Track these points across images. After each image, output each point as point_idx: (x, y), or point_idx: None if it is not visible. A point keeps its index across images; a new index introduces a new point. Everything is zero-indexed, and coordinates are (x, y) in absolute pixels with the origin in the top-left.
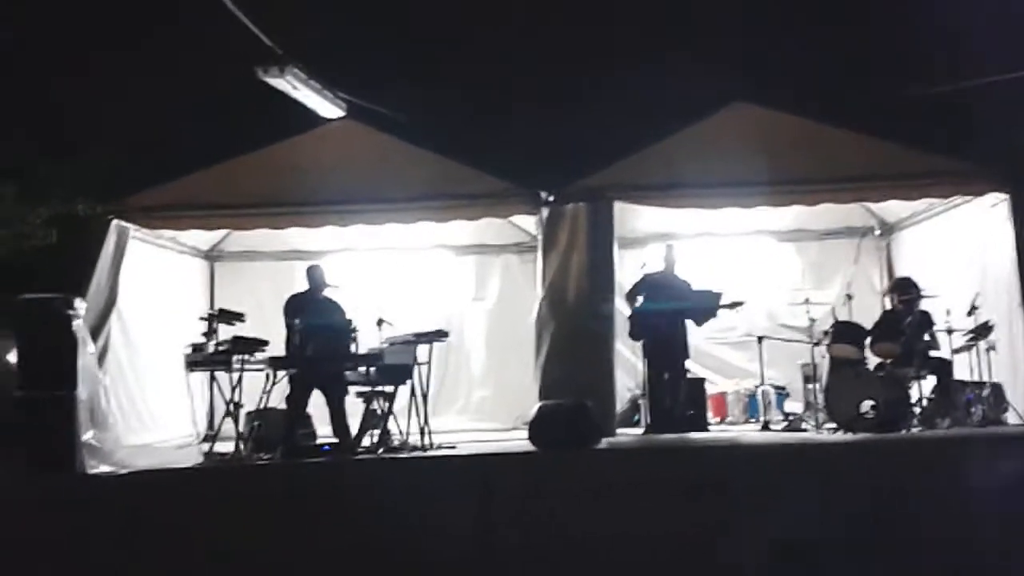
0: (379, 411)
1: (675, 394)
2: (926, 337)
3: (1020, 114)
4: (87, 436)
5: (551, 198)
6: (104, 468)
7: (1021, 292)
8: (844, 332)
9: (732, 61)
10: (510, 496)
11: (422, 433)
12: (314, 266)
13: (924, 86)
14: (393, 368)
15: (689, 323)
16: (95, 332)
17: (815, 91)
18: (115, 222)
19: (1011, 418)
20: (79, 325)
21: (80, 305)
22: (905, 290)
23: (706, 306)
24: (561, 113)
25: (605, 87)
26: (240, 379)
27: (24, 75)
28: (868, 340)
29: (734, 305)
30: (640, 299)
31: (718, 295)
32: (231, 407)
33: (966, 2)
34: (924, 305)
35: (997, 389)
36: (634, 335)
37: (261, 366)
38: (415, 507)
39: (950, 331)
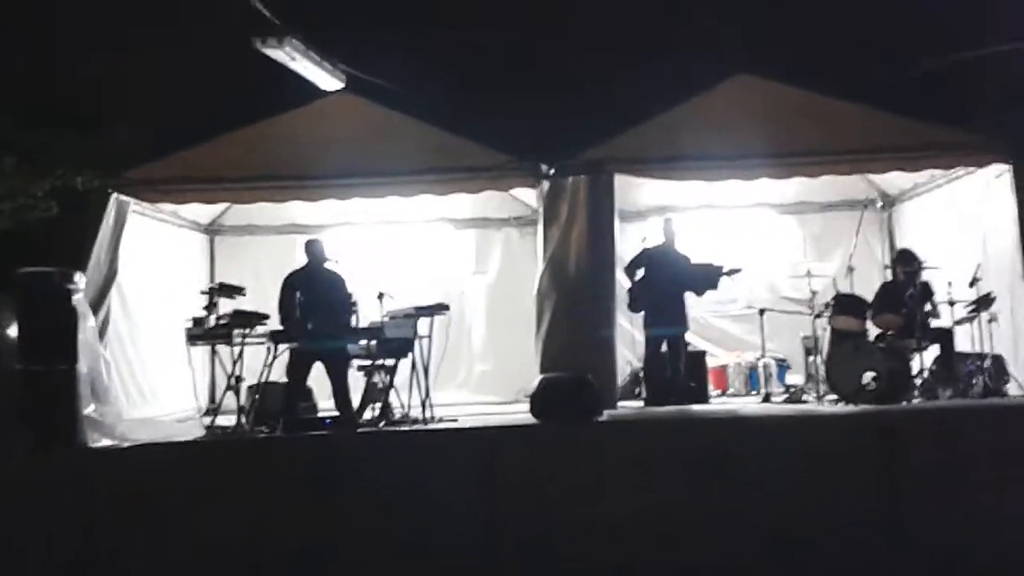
0: (380, 384)
1: (676, 366)
2: (927, 308)
3: (1022, 85)
4: (88, 410)
5: (552, 171)
6: (106, 442)
7: (1023, 263)
8: (845, 304)
9: (734, 33)
10: (512, 469)
11: (423, 406)
12: (312, 240)
13: (926, 57)
14: (394, 341)
15: (689, 295)
16: (95, 306)
17: (817, 63)
18: (115, 196)
19: (1012, 389)
20: (79, 299)
21: (80, 279)
22: (907, 262)
23: (706, 278)
24: (562, 85)
25: (607, 59)
26: (241, 353)
27: (23, 48)
28: (869, 312)
29: (732, 272)
30: (640, 272)
31: (719, 268)
32: (232, 380)
33: None
34: (926, 276)
35: (998, 360)
36: (634, 307)
37: (262, 340)
38: (417, 480)
39: (952, 303)
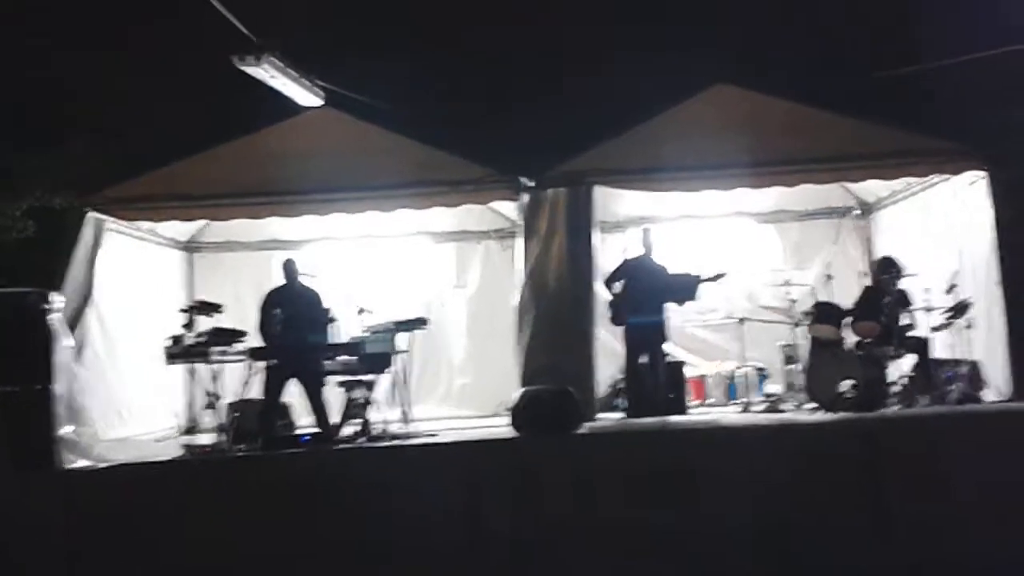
0: (360, 400)
1: (655, 377)
2: (905, 316)
3: (997, 92)
4: (65, 431)
5: (531, 184)
6: (83, 463)
7: (999, 270)
8: (824, 312)
9: (712, 43)
10: (494, 482)
11: (404, 421)
12: (288, 260)
13: (902, 66)
14: (373, 356)
15: (670, 305)
16: (72, 325)
17: (794, 72)
18: (91, 214)
19: (989, 396)
20: (55, 319)
21: (56, 299)
22: (885, 269)
23: (685, 288)
24: (541, 98)
25: (585, 71)
26: (220, 370)
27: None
28: (848, 320)
29: (717, 277)
30: (618, 285)
31: (696, 277)
32: (211, 399)
33: None
34: (903, 284)
35: (975, 367)
36: (615, 320)
37: (240, 357)
38: (398, 495)
39: (929, 309)
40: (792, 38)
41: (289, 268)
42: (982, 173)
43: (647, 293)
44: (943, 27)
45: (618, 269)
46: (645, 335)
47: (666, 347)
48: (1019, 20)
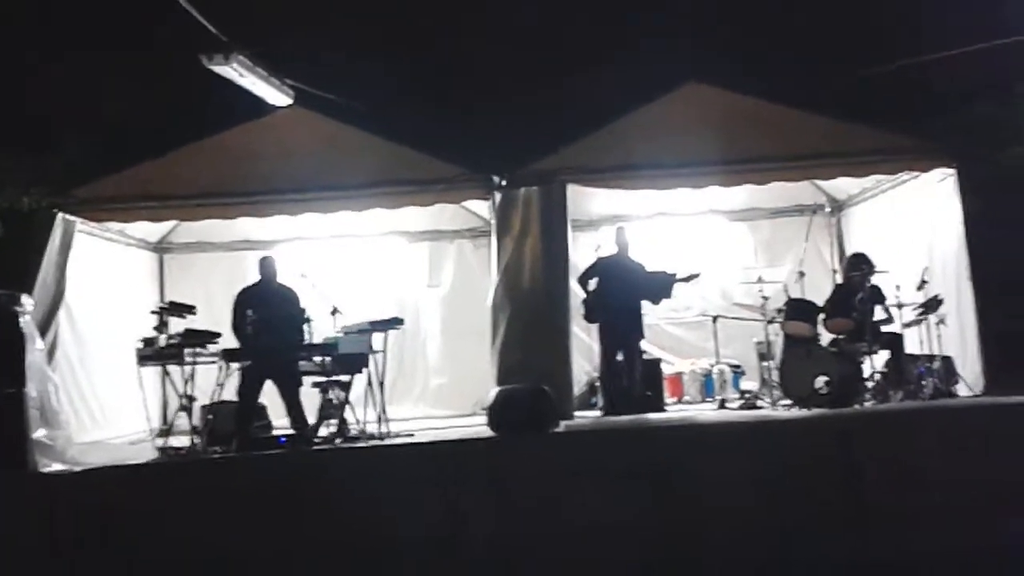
0: (335, 401)
1: (631, 374)
2: (878, 311)
3: (965, 89)
4: (38, 434)
5: (503, 182)
6: (56, 466)
7: (969, 266)
8: (797, 309)
9: (684, 41)
10: (472, 481)
11: (379, 421)
12: (266, 257)
13: (871, 63)
14: (348, 357)
15: (644, 303)
16: (43, 328)
17: (765, 70)
18: (61, 215)
19: (961, 390)
20: (26, 321)
21: (27, 301)
22: (856, 266)
23: (661, 286)
24: (512, 96)
25: (556, 69)
26: (193, 372)
27: None
28: (821, 316)
29: (691, 278)
30: (592, 283)
31: (672, 275)
32: (184, 401)
33: None
34: (875, 280)
35: (947, 362)
36: (589, 318)
37: (214, 359)
38: (376, 496)
39: (900, 305)
40: (763, 37)
41: (265, 266)
42: (951, 170)
43: (622, 291)
44: (912, 25)
45: (592, 267)
46: (621, 333)
47: (642, 344)
48: (987, 18)
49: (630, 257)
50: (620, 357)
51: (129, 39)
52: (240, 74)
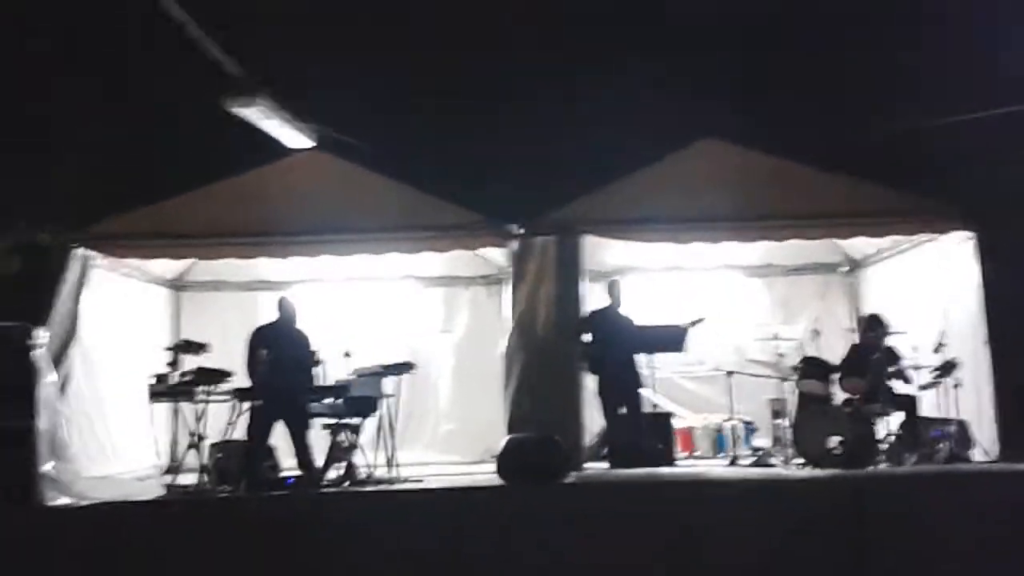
0: (345, 443)
1: (637, 426)
2: (894, 373)
3: (986, 152)
4: (47, 467)
5: (521, 231)
6: (64, 500)
7: (986, 330)
8: (812, 368)
9: (702, 97)
10: (479, 530)
11: (389, 466)
12: (285, 298)
13: (892, 124)
14: (360, 400)
15: (655, 356)
16: (56, 362)
17: (783, 129)
18: (78, 251)
19: (977, 455)
20: (39, 355)
21: (41, 334)
22: (872, 326)
23: (672, 340)
24: (532, 146)
25: (577, 120)
26: (204, 410)
27: None
28: (835, 376)
29: (695, 323)
30: (587, 336)
31: (683, 329)
32: (194, 439)
33: (934, 41)
34: (890, 341)
35: (963, 426)
36: (591, 369)
37: (225, 397)
38: (382, 541)
39: (916, 368)
40: (783, 95)
41: (284, 307)
42: (970, 233)
43: (617, 344)
44: (934, 87)
45: (586, 319)
46: (618, 386)
47: (643, 395)
48: (1009, 82)
49: (619, 312)
50: (624, 410)
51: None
52: (263, 116)
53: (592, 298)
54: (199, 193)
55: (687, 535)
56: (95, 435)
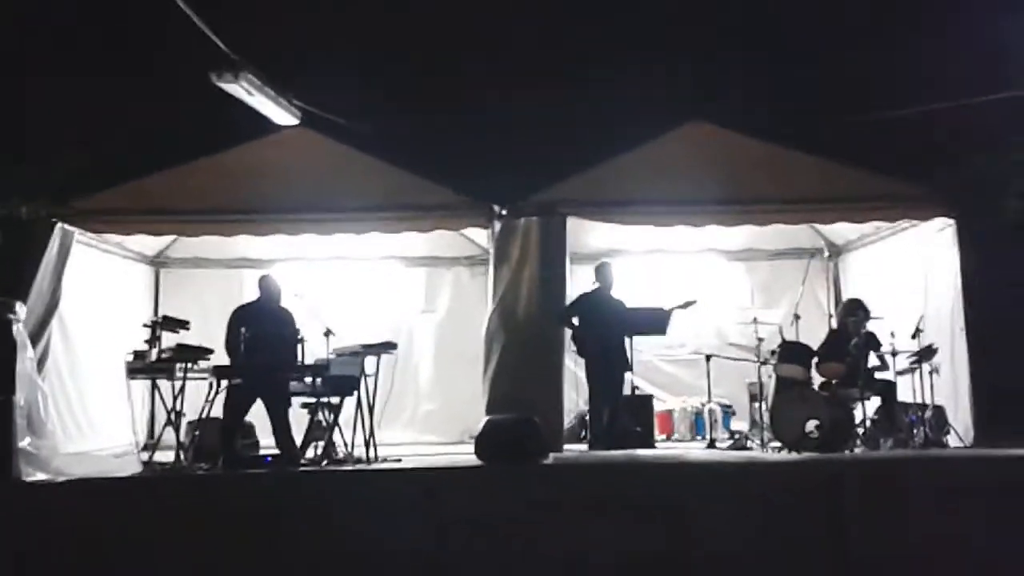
0: (324, 423)
1: (619, 410)
2: (872, 358)
3: (968, 140)
4: (24, 443)
5: (504, 212)
6: (40, 476)
7: (964, 316)
8: (791, 352)
9: (688, 80)
10: (457, 510)
11: (367, 445)
12: (266, 276)
13: (875, 111)
14: (339, 379)
15: (637, 339)
16: (35, 337)
17: (768, 112)
18: (59, 226)
19: (952, 440)
20: (18, 329)
21: (20, 309)
22: (851, 311)
23: (654, 322)
24: (516, 126)
25: (561, 102)
26: (183, 388)
27: None
28: (814, 360)
29: (687, 304)
30: (575, 319)
31: (667, 311)
32: (172, 416)
33: (918, 29)
34: (870, 326)
35: (939, 411)
36: (580, 352)
37: (204, 375)
38: (360, 520)
39: (894, 353)
40: (768, 78)
41: (266, 285)
42: (950, 220)
43: (606, 326)
44: (918, 74)
45: (574, 303)
46: (606, 368)
47: (628, 379)
48: (991, 69)
49: (611, 295)
50: (607, 392)
51: (135, 52)
52: (248, 92)
53: (574, 280)
54: (181, 170)
55: (665, 517)
56: (72, 411)
